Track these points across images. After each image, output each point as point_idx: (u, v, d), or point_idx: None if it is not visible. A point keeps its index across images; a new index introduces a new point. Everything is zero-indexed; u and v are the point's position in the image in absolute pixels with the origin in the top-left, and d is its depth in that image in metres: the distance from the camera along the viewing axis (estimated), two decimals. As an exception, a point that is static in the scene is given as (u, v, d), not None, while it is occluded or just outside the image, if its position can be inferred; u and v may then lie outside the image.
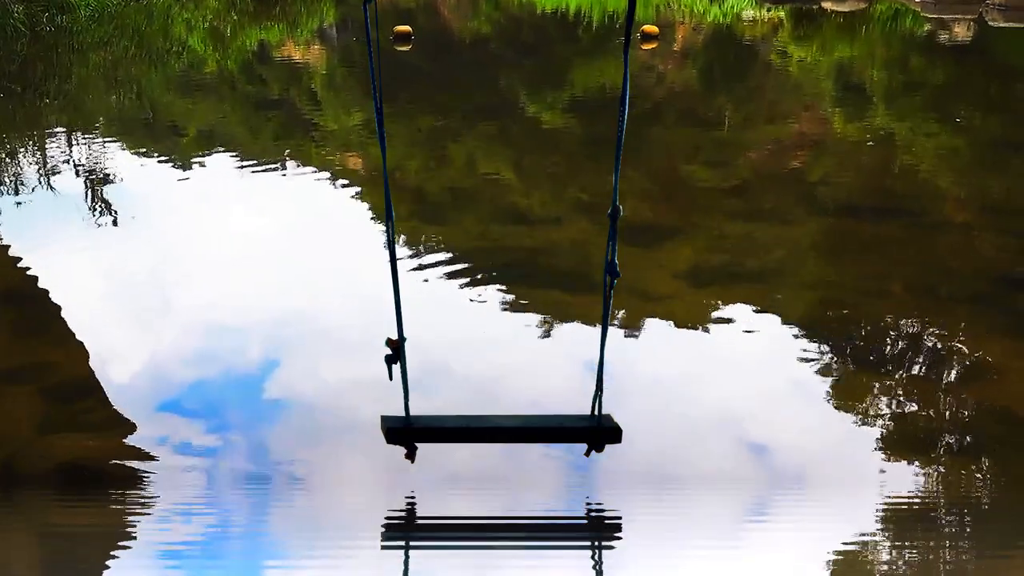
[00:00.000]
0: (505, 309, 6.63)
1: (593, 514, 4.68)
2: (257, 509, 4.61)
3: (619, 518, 4.63)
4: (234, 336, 6.10)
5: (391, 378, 3.68)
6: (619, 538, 4.50)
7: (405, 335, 3.66)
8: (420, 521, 4.60)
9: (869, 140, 11.36)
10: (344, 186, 9.41)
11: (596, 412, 3.86)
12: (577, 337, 6.10)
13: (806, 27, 19.81)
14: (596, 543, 4.52)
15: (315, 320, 6.26)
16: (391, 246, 3.49)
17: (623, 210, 3.54)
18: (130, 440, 5.06)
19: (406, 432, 3.83)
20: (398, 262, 3.67)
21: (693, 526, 4.55)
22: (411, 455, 3.90)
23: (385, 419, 3.87)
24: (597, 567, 4.31)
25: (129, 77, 14.63)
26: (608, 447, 3.97)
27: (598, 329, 3.82)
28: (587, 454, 3.98)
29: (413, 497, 4.64)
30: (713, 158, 10.52)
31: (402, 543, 4.51)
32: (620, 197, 3.60)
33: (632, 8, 3.23)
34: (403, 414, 3.81)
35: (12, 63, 14.37)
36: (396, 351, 3.66)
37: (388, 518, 4.59)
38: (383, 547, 4.43)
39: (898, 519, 4.63)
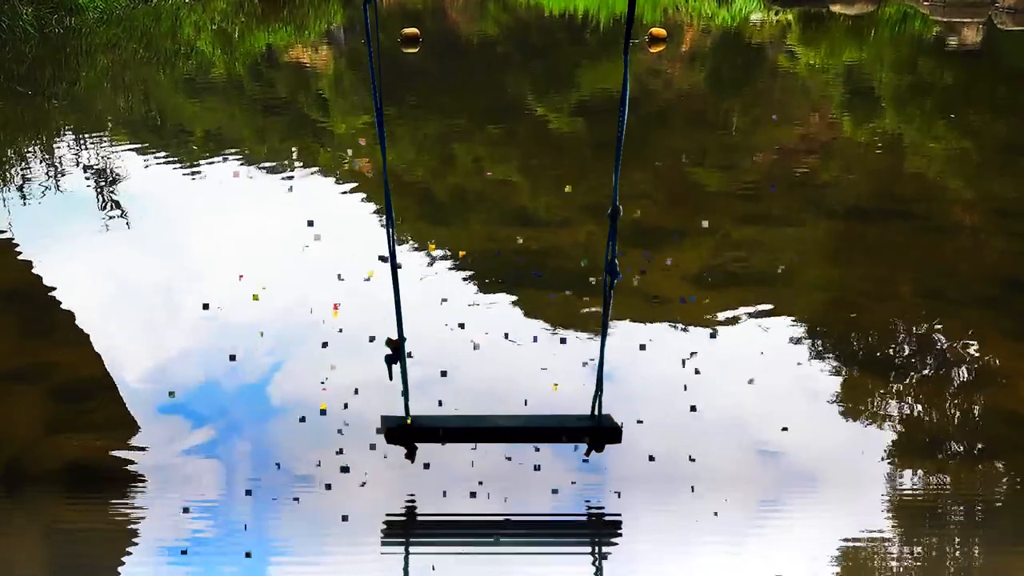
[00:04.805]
0: (511, 311, 6.63)
1: (594, 514, 4.68)
2: (261, 508, 4.62)
3: (619, 515, 4.63)
4: (240, 337, 6.12)
5: (391, 378, 3.69)
6: (620, 535, 4.50)
7: (406, 335, 3.67)
8: (420, 520, 4.61)
9: (877, 143, 11.34)
10: (352, 188, 9.43)
11: (596, 412, 3.87)
12: (584, 339, 6.10)
13: (814, 30, 19.79)
14: (597, 543, 4.52)
15: (320, 321, 6.26)
16: (391, 246, 3.50)
17: (623, 210, 3.54)
18: (136, 440, 5.09)
19: (406, 432, 3.84)
20: (404, 263, 3.68)
21: (695, 526, 4.55)
22: (411, 455, 3.92)
23: (385, 419, 3.88)
24: (598, 567, 4.31)
25: (137, 79, 14.68)
26: (610, 446, 3.98)
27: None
28: (587, 454, 3.99)
29: (413, 497, 4.65)
30: (721, 161, 10.51)
31: (402, 542, 4.51)
32: (628, 199, 3.61)
33: (632, 9, 3.23)
34: (403, 414, 3.82)
35: (21, 65, 14.44)
36: (396, 351, 3.67)
37: (389, 516, 4.59)
38: (383, 543, 4.43)
39: (903, 521, 4.62)
